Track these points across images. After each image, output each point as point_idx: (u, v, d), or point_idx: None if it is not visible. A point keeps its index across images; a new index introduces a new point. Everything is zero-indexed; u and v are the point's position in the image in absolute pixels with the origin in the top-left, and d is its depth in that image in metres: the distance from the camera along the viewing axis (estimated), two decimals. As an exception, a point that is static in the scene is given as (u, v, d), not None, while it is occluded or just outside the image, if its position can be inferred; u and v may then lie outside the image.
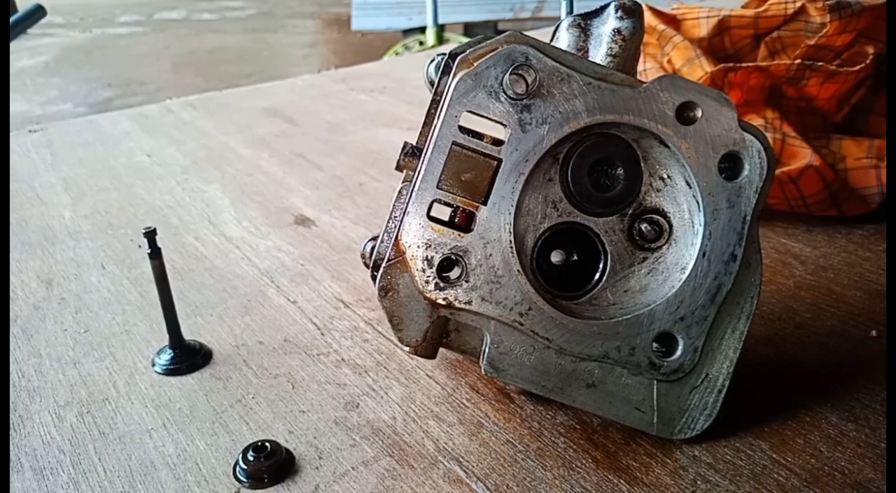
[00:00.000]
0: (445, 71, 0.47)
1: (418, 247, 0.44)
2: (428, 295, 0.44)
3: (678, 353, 0.45)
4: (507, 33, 0.44)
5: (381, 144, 1.00)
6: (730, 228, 0.44)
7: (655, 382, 0.45)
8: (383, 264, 0.44)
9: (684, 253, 0.45)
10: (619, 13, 0.46)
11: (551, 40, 0.48)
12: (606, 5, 0.48)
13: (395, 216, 0.47)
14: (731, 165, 0.44)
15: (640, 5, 0.48)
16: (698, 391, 0.46)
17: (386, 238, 0.47)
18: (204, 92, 1.32)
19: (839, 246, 0.68)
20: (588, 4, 0.48)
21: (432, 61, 0.48)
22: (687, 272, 0.44)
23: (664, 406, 0.46)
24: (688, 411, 0.46)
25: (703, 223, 0.44)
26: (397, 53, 3.55)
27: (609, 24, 0.47)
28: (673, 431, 0.46)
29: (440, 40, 3.40)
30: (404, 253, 0.44)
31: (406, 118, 1.11)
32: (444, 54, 0.47)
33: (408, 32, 3.97)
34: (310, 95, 1.26)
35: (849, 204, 0.70)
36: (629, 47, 0.47)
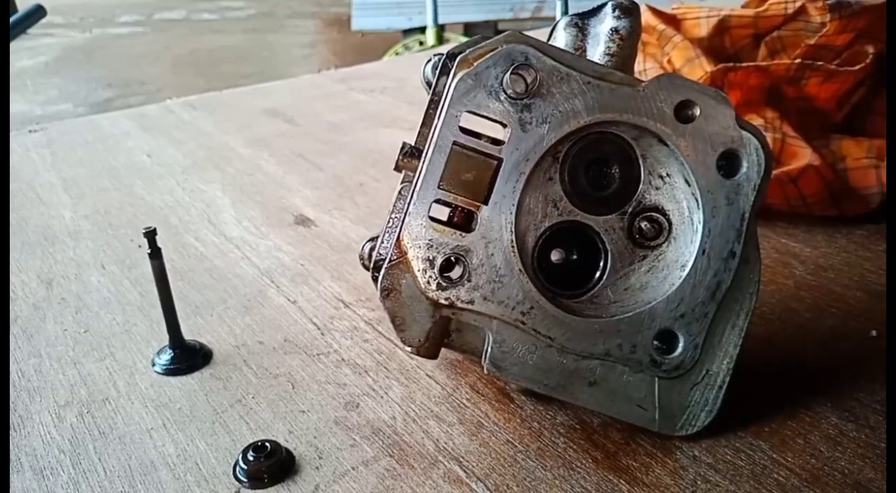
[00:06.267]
0: (444, 71, 0.47)
1: (420, 247, 0.44)
2: (430, 295, 0.44)
3: (679, 350, 0.45)
4: (506, 33, 0.44)
5: (381, 144, 1.00)
6: (729, 226, 0.44)
7: (657, 379, 0.45)
8: (385, 265, 0.44)
9: (684, 251, 0.45)
10: (617, 13, 0.47)
11: (548, 40, 0.48)
12: (603, 5, 0.48)
13: (396, 217, 0.47)
14: (729, 162, 0.44)
15: (637, 5, 0.48)
16: (699, 388, 0.46)
17: (387, 239, 0.47)
18: (204, 92, 1.32)
19: (839, 246, 0.68)
20: (585, 4, 0.48)
21: (429, 62, 0.48)
22: (687, 270, 0.45)
23: (666, 403, 0.46)
24: (689, 407, 0.46)
25: (702, 221, 0.44)
26: (397, 53, 3.55)
27: (606, 23, 0.47)
28: (675, 428, 0.46)
29: (440, 40, 3.40)
30: (406, 253, 0.44)
31: (406, 118, 1.11)
32: (442, 55, 0.47)
33: (408, 32, 3.97)
34: (310, 95, 1.26)
35: (849, 204, 0.70)
36: (626, 47, 0.47)
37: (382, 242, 0.48)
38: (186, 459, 0.47)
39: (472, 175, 0.43)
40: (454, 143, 0.43)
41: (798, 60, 0.72)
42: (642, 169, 0.46)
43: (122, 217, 0.81)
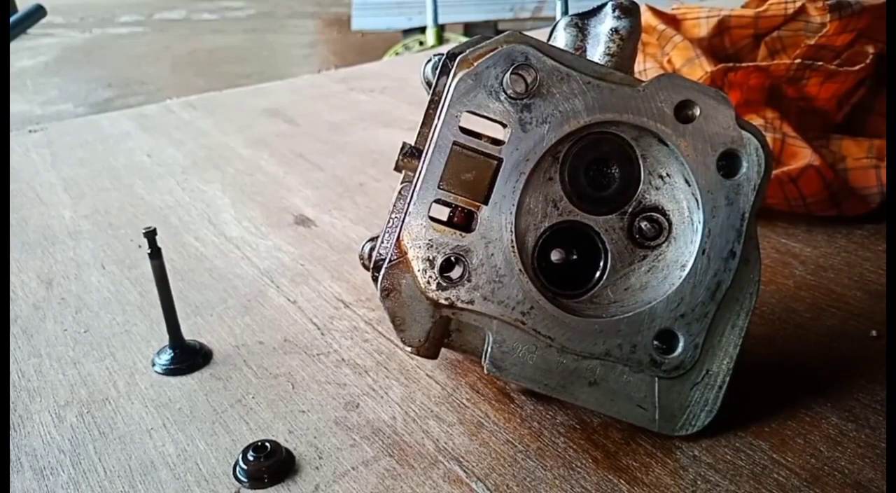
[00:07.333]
0: (444, 71, 0.47)
1: (420, 247, 0.44)
2: (430, 295, 0.44)
3: (679, 350, 0.45)
4: (506, 33, 0.44)
5: (381, 144, 1.00)
6: (729, 226, 0.45)
7: (657, 379, 0.45)
8: (385, 265, 0.44)
9: (684, 251, 0.45)
10: (617, 13, 0.47)
11: (548, 40, 0.48)
12: (603, 5, 0.48)
13: (396, 217, 0.47)
14: (729, 162, 0.44)
15: (637, 5, 0.48)
16: (699, 388, 0.46)
17: (387, 239, 0.47)
18: (204, 92, 1.32)
19: (839, 246, 0.68)
20: (585, 4, 0.48)
21: (429, 62, 0.48)
22: (687, 270, 0.45)
23: (665, 403, 0.46)
24: (689, 407, 0.46)
25: (702, 221, 0.44)
26: (397, 53, 3.55)
27: (606, 23, 0.47)
28: (675, 428, 0.46)
29: (440, 40, 3.40)
30: (406, 253, 0.44)
31: (406, 118, 1.11)
32: (442, 55, 0.47)
33: (408, 32, 3.96)
34: (310, 95, 1.26)
35: (849, 204, 0.70)
36: (626, 47, 0.47)
37: (382, 242, 0.48)
38: (186, 459, 0.47)
39: (472, 175, 0.43)
40: (454, 143, 0.43)
41: (798, 60, 0.72)
42: (642, 169, 0.46)
43: (122, 217, 0.81)
